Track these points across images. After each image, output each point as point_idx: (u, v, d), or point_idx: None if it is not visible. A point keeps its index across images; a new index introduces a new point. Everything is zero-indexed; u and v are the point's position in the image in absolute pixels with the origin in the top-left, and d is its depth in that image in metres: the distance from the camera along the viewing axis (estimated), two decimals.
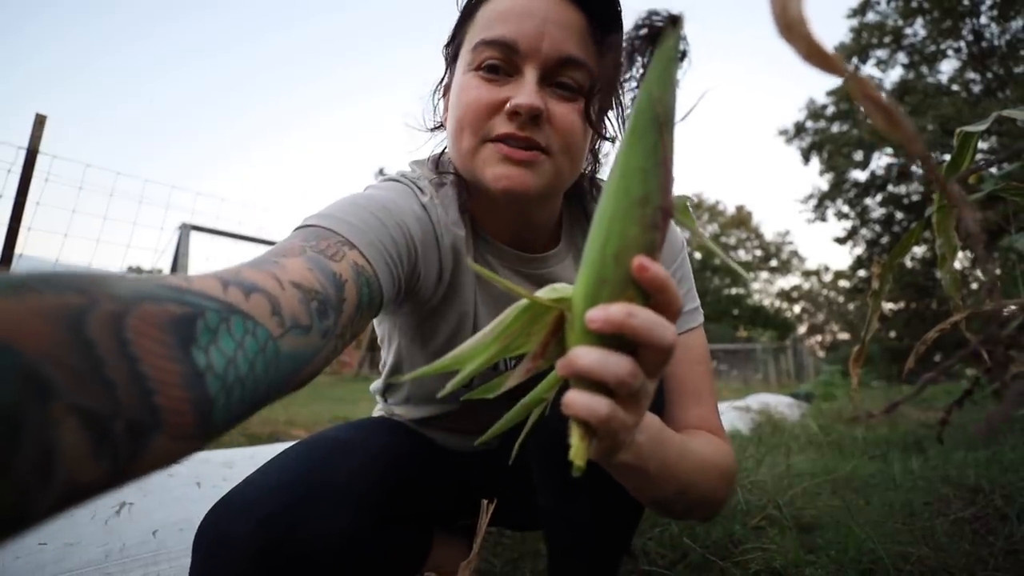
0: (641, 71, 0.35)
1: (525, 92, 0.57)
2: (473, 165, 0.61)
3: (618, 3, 0.60)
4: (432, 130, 0.74)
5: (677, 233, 0.78)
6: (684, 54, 0.35)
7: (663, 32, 0.34)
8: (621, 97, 0.61)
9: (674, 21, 0.34)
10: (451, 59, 0.68)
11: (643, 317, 0.34)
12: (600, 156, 0.74)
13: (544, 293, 0.39)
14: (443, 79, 0.71)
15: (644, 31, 0.35)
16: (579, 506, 0.66)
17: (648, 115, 0.34)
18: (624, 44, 0.36)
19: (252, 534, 0.53)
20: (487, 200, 0.67)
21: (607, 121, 0.67)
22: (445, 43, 0.69)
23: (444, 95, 0.72)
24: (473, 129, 0.60)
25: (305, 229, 0.52)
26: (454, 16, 0.67)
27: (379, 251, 0.54)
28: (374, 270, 0.53)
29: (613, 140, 0.70)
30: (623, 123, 0.67)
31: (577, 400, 0.35)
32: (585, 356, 0.34)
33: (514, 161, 0.58)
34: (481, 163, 0.60)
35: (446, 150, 0.71)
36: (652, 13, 0.34)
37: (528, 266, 0.73)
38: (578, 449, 0.36)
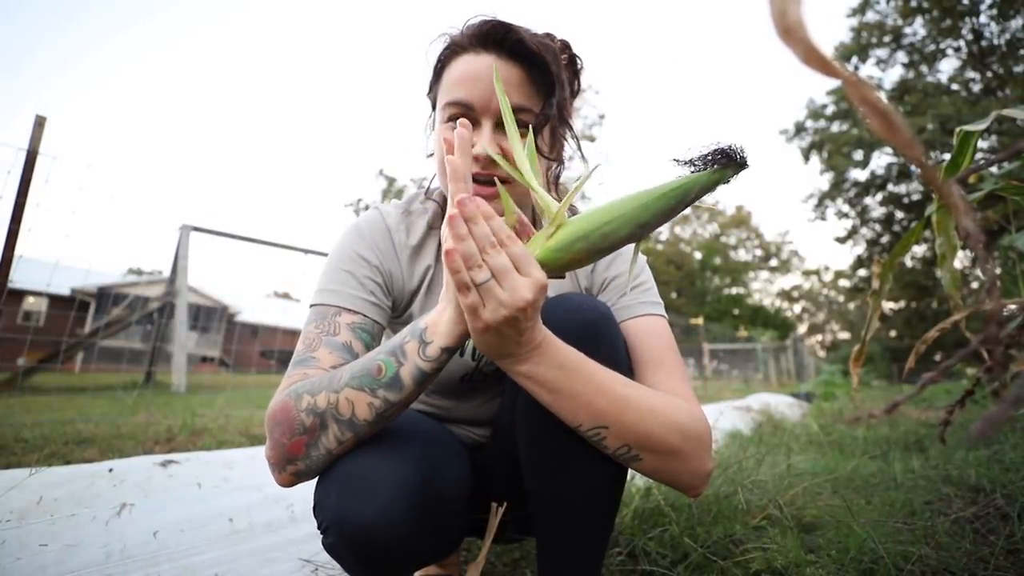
0: (695, 165, 0.54)
1: (482, 142, 0.73)
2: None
3: (544, 55, 0.74)
4: (428, 157, 0.88)
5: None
6: (728, 182, 0.54)
7: (730, 166, 0.53)
8: (561, 127, 0.80)
9: (741, 166, 0.53)
10: (433, 106, 0.84)
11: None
12: (550, 176, 0.88)
13: None
14: (431, 116, 0.86)
15: (724, 154, 0.52)
16: (563, 484, 0.70)
17: (682, 190, 0.54)
18: (710, 154, 0.53)
19: (408, 478, 0.61)
20: None
21: (552, 146, 0.81)
22: (426, 92, 0.85)
23: (433, 131, 0.86)
24: None
25: (312, 310, 0.76)
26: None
27: (358, 298, 0.77)
28: (363, 315, 0.76)
29: (559, 161, 0.85)
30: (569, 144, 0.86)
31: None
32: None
33: (480, 195, 0.72)
34: None
35: (432, 182, 0.91)
36: (733, 149, 0.52)
37: None
38: None
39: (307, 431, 0.61)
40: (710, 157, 0.53)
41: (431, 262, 0.86)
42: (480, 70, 0.73)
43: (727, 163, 0.52)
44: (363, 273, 0.79)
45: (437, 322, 0.60)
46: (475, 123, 0.74)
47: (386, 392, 0.60)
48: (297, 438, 0.61)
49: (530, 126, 0.72)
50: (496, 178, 0.73)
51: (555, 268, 0.59)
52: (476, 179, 0.73)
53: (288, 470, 0.63)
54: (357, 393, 0.60)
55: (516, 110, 0.74)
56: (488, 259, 0.54)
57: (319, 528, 0.65)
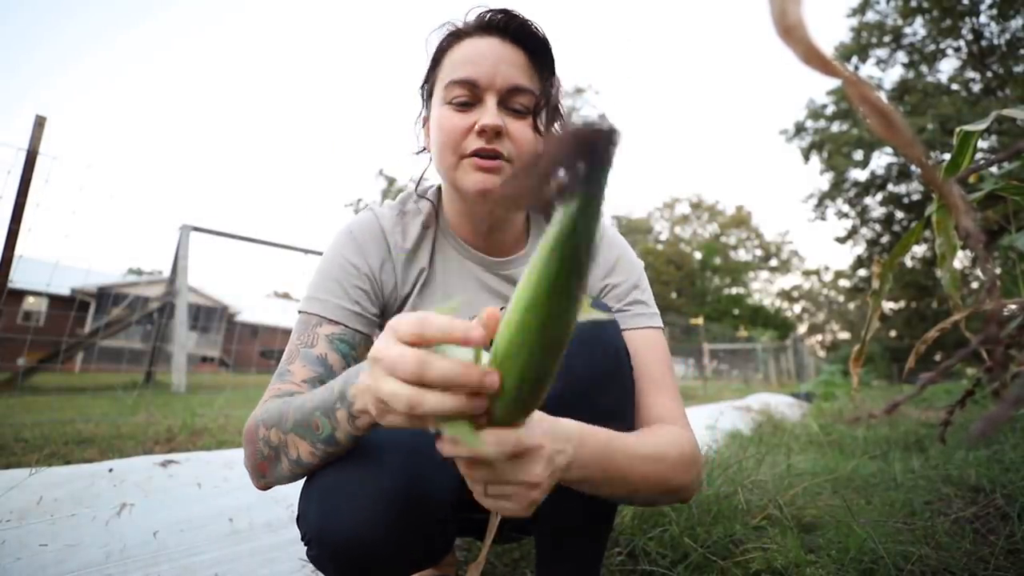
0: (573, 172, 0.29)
1: (489, 114, 0.74)
2: (455, 176, 0.77)
3: (547, 40, 0.77)
4: (417, 153, 0.89)
5: (633, 255, 0.90)
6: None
7: (595, 167, 0.29)
8: (560, 110, 0.81)
9: (606, 158, 0.29)
10: (427, 97, 0.84)
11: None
12: None
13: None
14: (421, 113, 0.87)
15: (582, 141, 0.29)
16: (562, 501, 0.69)
17: (552, 276, 0.34)
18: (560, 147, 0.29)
19: (389, 487, 0.61)
20: (465, 206, 0.83)
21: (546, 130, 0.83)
22: (420, 84, 0.85)
23: (424, 125, 0.87)
24: (452, 148, 0.76)
25: (299, 317, 0.77)
26: (426, 60, 0.84)
27: (340, 308, 0.76)
28: (344, 325, 0.75)
29: None
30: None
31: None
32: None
33: (484, 169, 0.75)
34: (461, 174, 0.77)
35: (422, 181, 0.91)
36: (596, 129, 0.28)
37: (494, 267, 0.87)
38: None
39: (266, 458, 0.64)
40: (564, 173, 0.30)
41: (425, 264, 0.85)
42: (484, 49, 0.75)
43: (592, 168, 0.29)
44: (351, 281, 0.78)
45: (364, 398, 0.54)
46: (478, 100, 0.76)
47: (325, 446, 0.59)
48: (260, 461, 0.65)
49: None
50: (500, 155, 0.75)
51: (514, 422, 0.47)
52: (480, 154, 0.74)
53: (260, 482, 0.68)
54: (300, 440, 0.60)
55: (520, 91, 0.76)
56: (493, 488, 0.50)
57: (303, 540, 0.65)
